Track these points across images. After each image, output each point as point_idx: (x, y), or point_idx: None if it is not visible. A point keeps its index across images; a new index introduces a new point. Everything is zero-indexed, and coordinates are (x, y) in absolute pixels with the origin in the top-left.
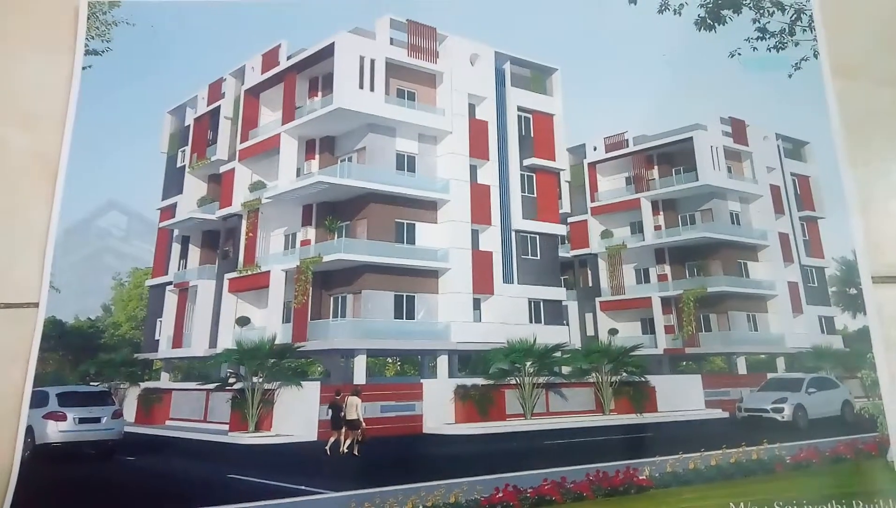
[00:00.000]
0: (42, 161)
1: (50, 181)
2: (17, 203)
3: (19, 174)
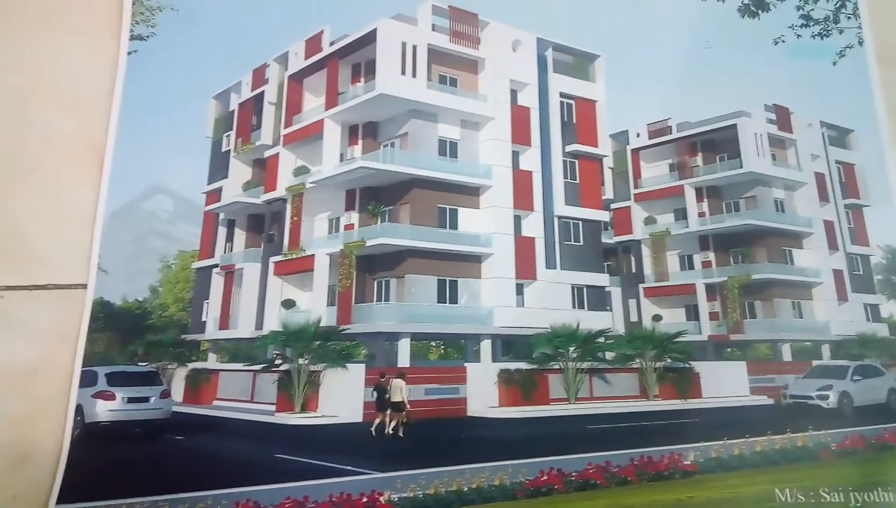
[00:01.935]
0: (88, 145)
1: (97, 165)
2: (65, 186)
3: (66, 158)
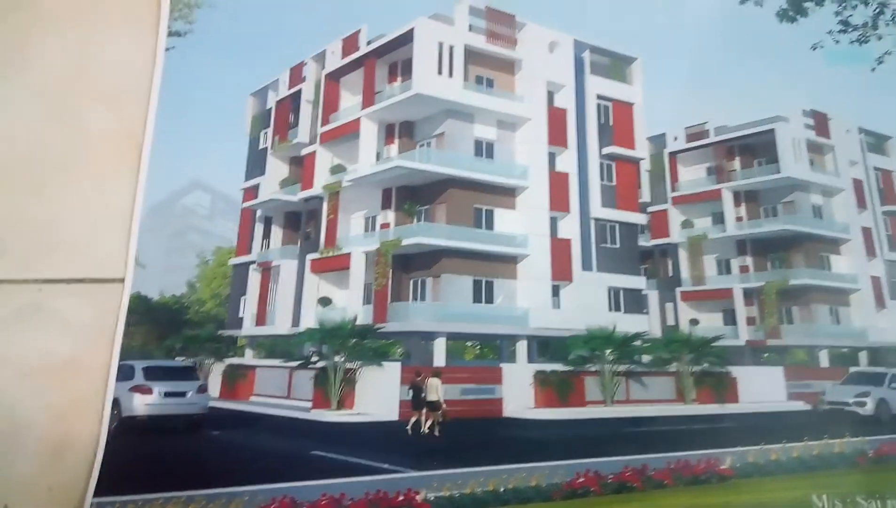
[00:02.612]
0: (127, 139)
1: (134, 159)
2: (102, 179)
3: (104, 151)
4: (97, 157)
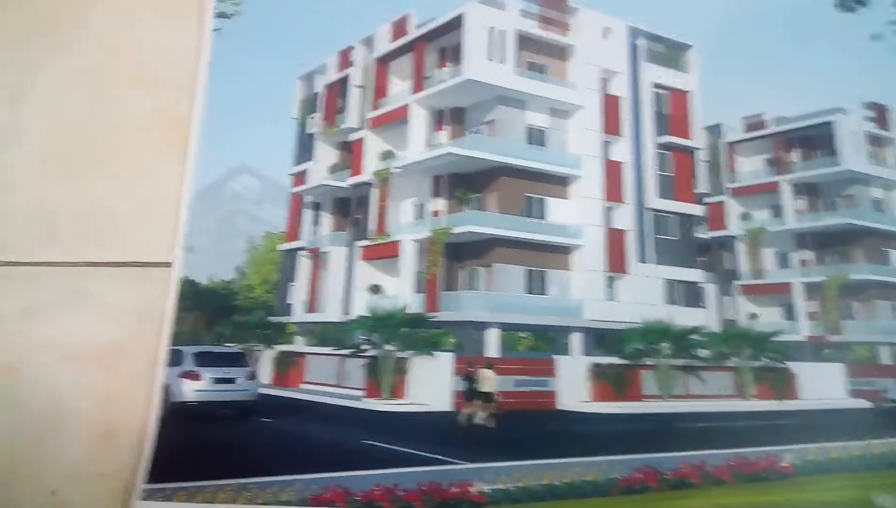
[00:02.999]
0: (173, 122)
1: (181, 143)
2: (149, 163)
3: (150, 135)
4: (143, 141)
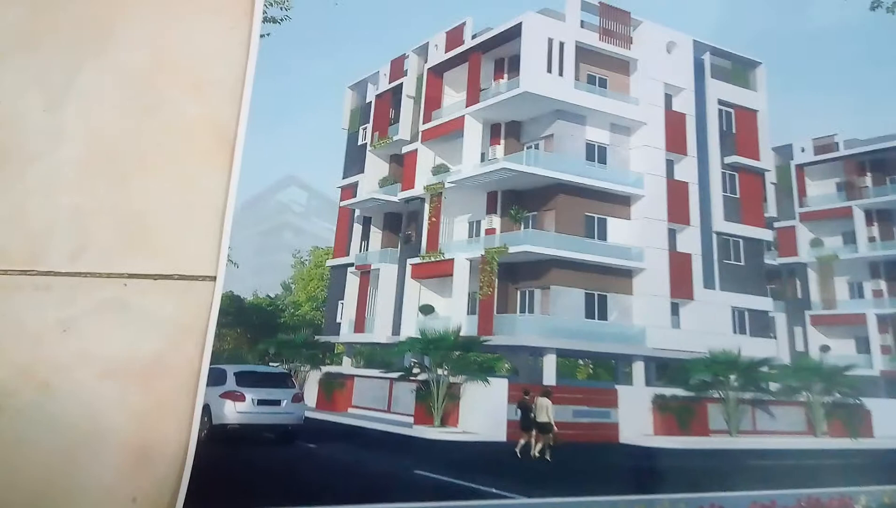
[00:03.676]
0: (218, 130)
1: (226, 151)
2: (192, 172)
3: (194, 143)
4: (187, 149)
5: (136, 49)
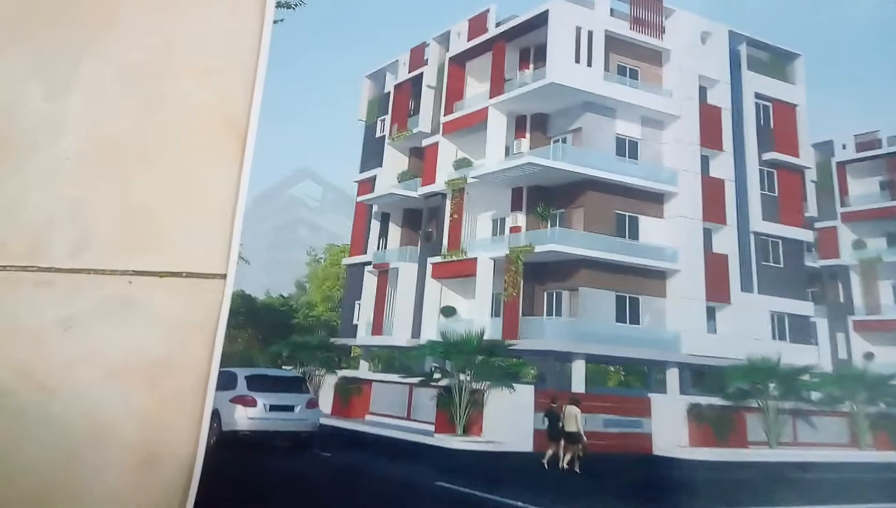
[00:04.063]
0: (228, 121)
1: (237, 143)
2: (203, 165)
3: (203, 134)
4: (195, 141)
5: (141, 36)
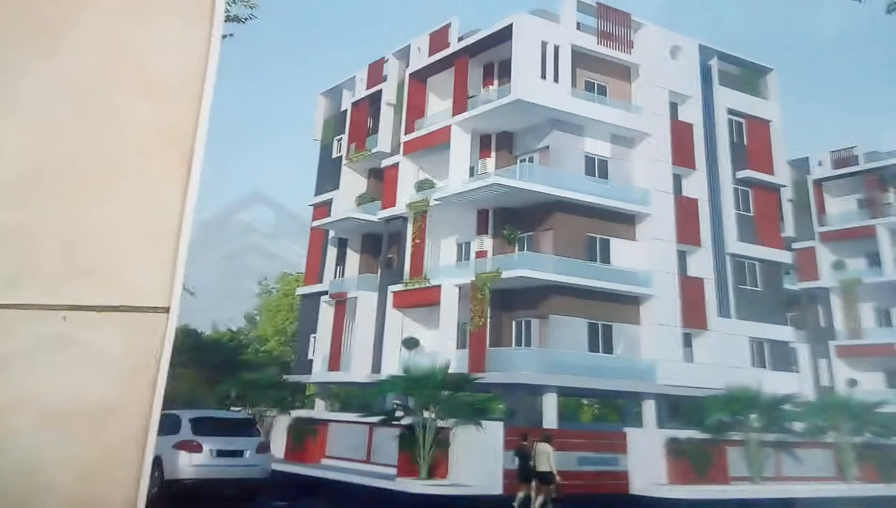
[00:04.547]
0: (173, 142)
1: (183, 166)
2: (144, 190)
3: (146, 157)
4: (138, 163)
5: (86, 51)
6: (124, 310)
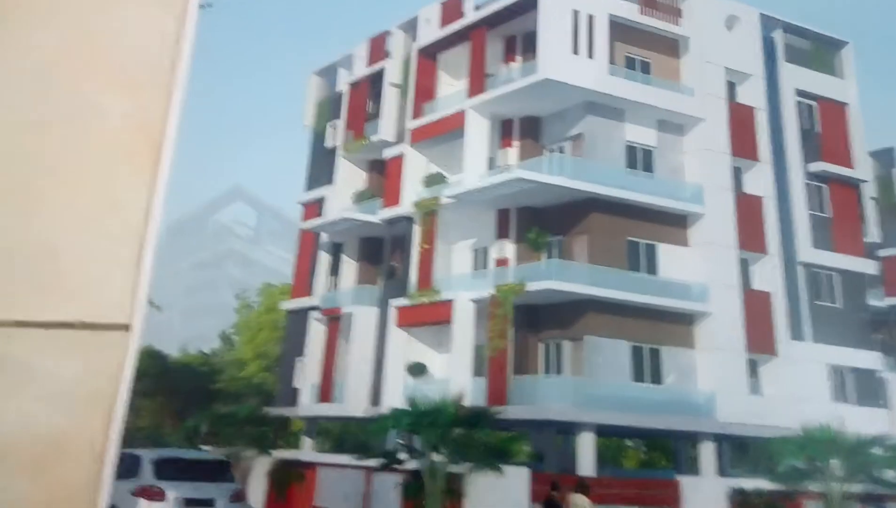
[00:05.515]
0: (142, 133)
1: (150, 161)
2: (106, 189)
3: (109, 152)
4: (101, 159)
5: (43, 36)
6: (78, 327)
